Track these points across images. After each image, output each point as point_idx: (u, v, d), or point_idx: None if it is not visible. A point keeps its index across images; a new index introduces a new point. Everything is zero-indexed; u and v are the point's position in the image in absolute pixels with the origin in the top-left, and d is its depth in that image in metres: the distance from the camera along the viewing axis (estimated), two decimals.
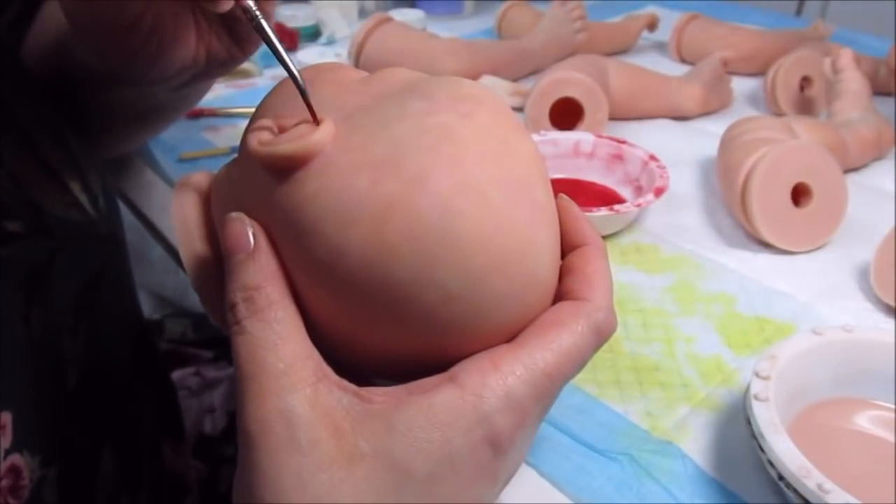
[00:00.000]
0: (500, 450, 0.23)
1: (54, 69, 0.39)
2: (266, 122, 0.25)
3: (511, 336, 0.24)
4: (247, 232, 0.24)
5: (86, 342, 0.33)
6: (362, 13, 0.87)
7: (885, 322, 0.39)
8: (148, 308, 1.21)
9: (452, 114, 0.23)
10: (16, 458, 0.27)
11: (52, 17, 0.40)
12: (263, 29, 0.28)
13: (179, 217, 0.27)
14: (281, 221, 0.24)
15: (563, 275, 0.26)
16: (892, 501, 0.27)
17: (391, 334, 0.24)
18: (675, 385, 0.34)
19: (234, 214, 0.25)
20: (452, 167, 0.22)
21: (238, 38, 0.36)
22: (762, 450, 0.27)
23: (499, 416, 0.22)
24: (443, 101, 0.24)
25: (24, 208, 0.31)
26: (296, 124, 0.24)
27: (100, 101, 0.41)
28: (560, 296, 0.26)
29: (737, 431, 0.31)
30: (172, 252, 0.47)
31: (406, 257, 0.22)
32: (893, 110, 0.60)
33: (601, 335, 0.24)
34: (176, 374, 0.63)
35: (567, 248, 0.27)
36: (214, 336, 0.69)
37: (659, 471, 0.29)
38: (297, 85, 0.25)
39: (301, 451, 0.21)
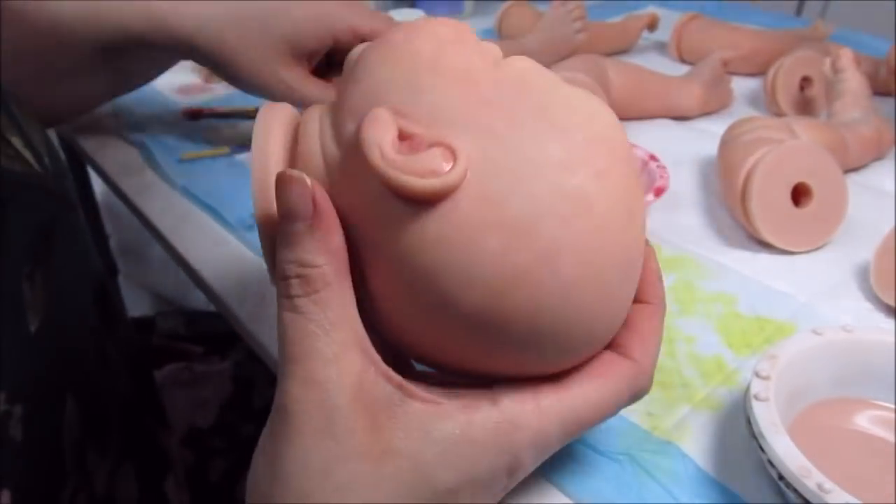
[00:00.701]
0: (514, 476, 0.24)
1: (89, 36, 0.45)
2: (385, 117, 0.22)
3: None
4: (309, 198, 0.22)
5: (43, 289, 0.34)
6: None
7: (885, 322, 0.39)
8: (148, 308, 1.22)
9: (590, 173, 0.22)
10: None
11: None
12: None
13: (261, 148, 0.25)
14: (384, 244, 0.23)
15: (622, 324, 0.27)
16: (893, 501, 0.27)
17: (464, 363, 0.25)
18: (675, 385, 0.34)
19: (295, 173, 0.22)
20: (583, 245, 0.22)
21: None
22: (762, 450, 0.27)
23: (527, 450, 0.23)
24: (579, 147, 0.23)
25: None
26: (425, 140, 0.22)
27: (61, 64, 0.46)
28: (613, 343, 0.26)
29: (737, 431, 0.31)
30: (172, 252, 0.47)
31: (519, 328, 0.23)
32: (893, 110, 0.60)
33: (635, 398, 0.26)
34: (166, 369, 0.64)
35: (636, 299, 0.27)
36: (205, 332, 0.69)
37: (659, 471, 0.29)
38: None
39: (334, 439, 0.22)
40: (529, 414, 0.23)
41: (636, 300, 0.27)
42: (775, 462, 0.26)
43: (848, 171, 0.52)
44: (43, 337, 0.33)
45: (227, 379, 0.63)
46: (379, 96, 0.23)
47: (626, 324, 0.26)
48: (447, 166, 0.21)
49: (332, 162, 0.24)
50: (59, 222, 0.38)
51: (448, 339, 0.24)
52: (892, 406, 0.31)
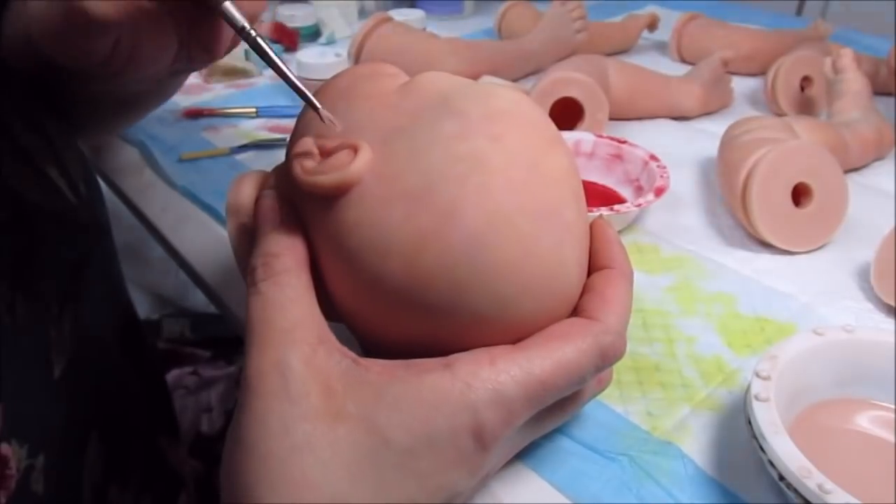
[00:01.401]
0: (482, 443, 0.23)
1: (33, 60, 0.39)
2: (308, 142, 0.26)
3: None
4: (275, 208, 0.27)
5: (71, 331, 0.33)
6: (362, 13, 0.87)
7: (885, 322, 0.39)
8: (148, 308, 1.22)
9: (483, 138, 0.24)
10: (4, 448, 0.27)
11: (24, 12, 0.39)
12: (266, 53, 0.29)
13: (234, 189, 0.30)
14: (325, 240, 0.26)
15: (583, 292, 0.27)
16: (893, 502, 0.27)
17: (419, 339, 0.25)
18: (675, 385, 0.34)
19: (266, 192, 0.28)
20: (482, 199, 0.23)
21: (219, 37, 0.36)
22: (763, 450, 0.27)
23: (485, 409, 0.23)
24: (474, 121, 0.25)
25: (1, 196, 0.30)
26: (336, 148, 0.25)
27: (81, 90, 0.41)
28: (576, 312, 0.26)
29: (737, 432, 0.31)
30: (172, 252, 0.47)
31: (440, 287, 0.24)
32: (894, 110, 0.60)
33: (605, 357, 0.25)
34: (173, 373, 0.63)
35: (595, 267, 0.28)
36: (212, 336, 0.69)
37: (659, 471, 0.29)
38: (309, 103, 0.27)
39: (290, 400, 0.23)
40: (483, 373, 0.23)
41: (596, 267, 0.27)
42: (776, 462, 0.26)
43: (848, 171, 0.52)
44: (67, 381, 0.32)
45: (233, 384, 0.63)
46: (307, 127, 0.28)
47: (585, 288, 0.27)
48: (350, 160, 0.25)
49: (291, 185, 0.27)
50: (91, 257, 0.37)
51: (389, 316, 0.25)
52: (893, 406, 0.31)
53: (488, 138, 0.24)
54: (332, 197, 0.25)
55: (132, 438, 0.42)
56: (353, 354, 0.24)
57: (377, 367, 0.24)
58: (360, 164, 0.24)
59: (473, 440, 0.23)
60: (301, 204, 0.27)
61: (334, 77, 0.29)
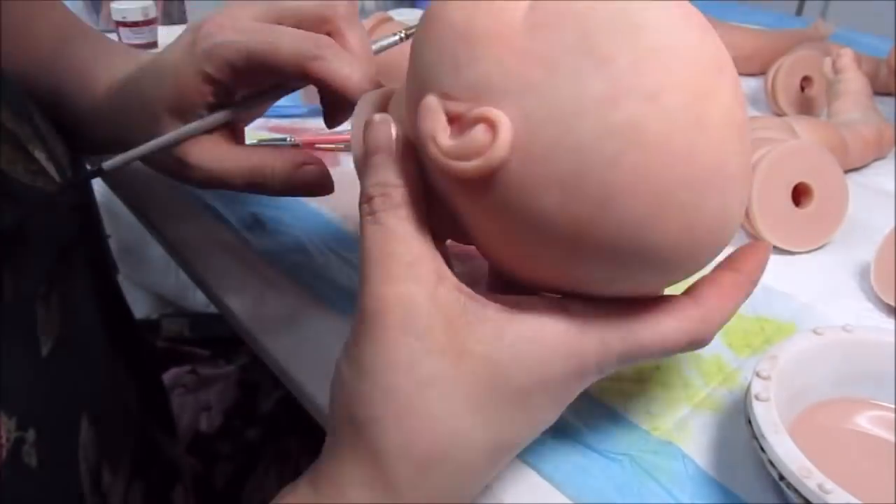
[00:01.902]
0: (578, 385, 0.26)
1: (43, 81, 0.40)
2: (434, 104, 0.23)
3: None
4: (391, 135, 0.26)
5: (58, 310, 0.33)
6: (362, 13, 0.87)
7: (885, 322, 0.39)
8: (148, 308, 1.22)
9: (637, 99, 0.21)
10: None
11: (42, 35, 0.41)
12: None
13: (357, 112, 0.30)
14: (467, 213, 0.25)
15: (710, 275, 0.28)
16: (893, 502, 0.27)
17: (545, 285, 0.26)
18: (675, 385, 0.34)
19: (378, 117, 0.27)
20: (639, 183, 0.21)
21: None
22: (763, 450, 0.27)
23: (591, 357, 0.25)
24: (625, 73, 0.21)
25: None
26: (469, 118, 0.22)
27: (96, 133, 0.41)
28: (691, 290, 0.27)
29: (737, 432, 0.31)
30: (172, 252, 0.47)
31: (601, 264, 0.24)
32: (894, 110, 0.60)
33: (693, 345, 0.26)
34: (172, 372, 0.63)
35: (731, 263, 0.28)
36: (211, 335, 0.69)
37: (659, 471, 0.29)
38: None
39: (415, 335, 0.23)
40: (596, 323, 0.25)
41: (732, 264, 0.28)
42: (776, 462, 0.26)
43: (848, 171, 0.52)
44: (56, 359, 0.32)
45: (232, 383, 0.63)
46: (427, 82, 0.24)
47: (712, 274, 0.28)
48: (490, 138, 0.22)
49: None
50: (80, 238, 0.37)
51: (539, 271, 0.25)
52: (893, 406, 0.31)
53: (643, 98, 0.21)
54: (472, 179, 0.23)
55: (123, 426, 0.42)
56: (470, 291, 0.25)
57: (494, 304, 0.25)
58: (503, 147, 0.22)
59: (576, 383, 0.25)
60: (431, 167, 0.25)
61: (438, 6, 0.25)
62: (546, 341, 0.24)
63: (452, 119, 0.23)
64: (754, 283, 0.28)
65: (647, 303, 0.26)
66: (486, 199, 0.23)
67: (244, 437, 0.60)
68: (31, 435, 0.30)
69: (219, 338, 0.68)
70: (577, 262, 0.24)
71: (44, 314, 0.32)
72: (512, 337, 0.24)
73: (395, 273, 0.24)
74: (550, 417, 0.26)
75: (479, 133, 0.22)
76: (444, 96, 0.23)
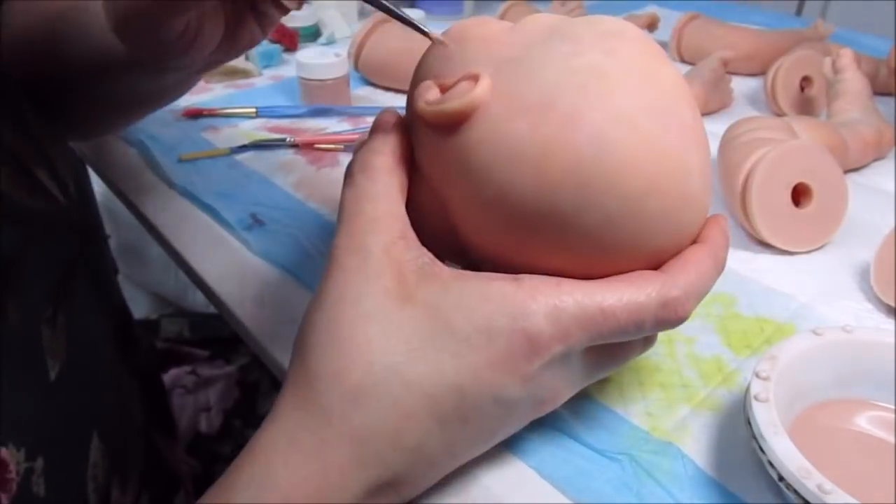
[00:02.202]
0: (534, 351, 0.25)
1: (39, 56, 0.39)
2: (428, 83, 0.28)
3: (664, 260, 0.27)
4: (390, 120, 0.29)
5: (65, 332, 0.33)
6: (362, 13, 0.87)
7: (885, 323, 0.39)
8: (148, 308, 1.22)
9: (597, 52, 0.26)
10: (2, 452, 0.27)
11: (31, 9, 0.40)
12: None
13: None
14: (449, 167, 0.27)
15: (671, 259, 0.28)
16: (893, 502, 0.27)
17: (552, 257, 0.27)
18: (675, 385, 0.34)
19: (386, 109, 0.30)
20: (602, 102, 0.25)
21: (262, 21, 0.37)
22: (762, 450, 0.27)
23: (542, 319, 0.25)
24: (587, 40, 0.26)
25: None
26: (456, 82, 0.27)
27: (94, 88, 0.41)
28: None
29: (737, 432, 0.31)
30: (172, 252, 0.47)
31: (568, 189, 0.25)
32: (893, 110, 0.60)
33: (667, 308, 0.26)
34: (172, 373, 0.63)
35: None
36: (211, 335, 0.69)
37: (659, 471, 0.29)
38: (417, 29, 0.30)
39: (365, 277, 0.26)
40: (548, 289, 0.25)
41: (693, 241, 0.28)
42: (775, 463, 0.26)
43: (848, 171, 0.52)
44: (64, 382, 0.32)
45: (232, 384, 0.63)
46: (426, 73, 0.29)
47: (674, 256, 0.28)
48: (472, 87, 0.26)
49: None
50: (83, 257, 0.37)
51: (517, 229, 0.26)
52: (893, 407, 0.31)
53: (603, 52, 0.25)
54: (456, 123, 0.26)
55: (130, 438, 0.42)
56: (430, 254, 0.27)
57: (450, 268, 0.26)
58: (482, 88, 0.26)
59: (527, 346, 0.25)
60: (422, 140, 0.28)
61: (447, 31, 0.30)
62: (491, 296, 0.25)
63: (443, 89, 0.27)
64: (718, 252, 0.28)
65: (605, 279, 0.26)
66: (464, 140, 0.26)
67: (244, 438, 0.60)
68: (39, 464, 0.29)
69: (218, 338, 0.68)
70: (547, 190, 0.25)
71: (50, 337, 0.32)
72: (457, 291, 0.25)
73: (358, 225, 0.27)
74: (509, 387, 0.25)
75: (463, 85, 0.26)
76: (437, 78, 0.28)
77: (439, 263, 0.26)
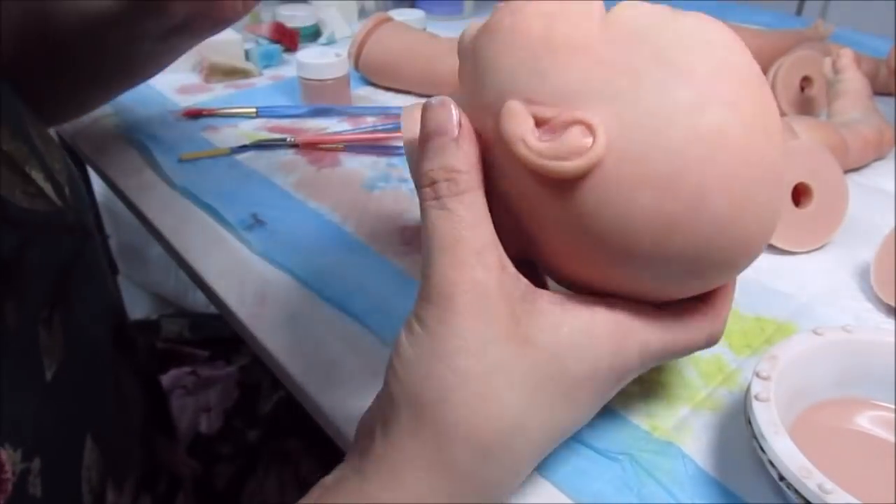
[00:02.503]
0: (620, 382, 0.26)
1: (29, 28, 0.41)
2: (519, 108, 0.24)
3: None
4: (452, 117, 0.26)
5: (62, 333, 0.33)
6: (362, 13, 0.87)
7: (885, 322, 0.39)
8: (148, 308, 1.22)
9: (719, 106, 0.23)
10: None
11: None
12: None
13: (408, 110, 0.30)
14: (547, 211, 0.25)
15: None
16: (893, 502, 0.27)
17: (639, 288, 0.27)
18: (675, 385, 0.34)
19: (436, 99, 0.26)
20: (727, 183, 0.23)
21: None
22: (763, 450, 0.27)
23: (634, 360, 0.26)
24: (705, 82, 0.23)
25: None
26: (560, 122, 0.24)
27: (82, 59, 0.43)
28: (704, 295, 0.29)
29: (737, 432, 0.31)
30: (172, 252, 0.47)
31: (685, 264, 0.25)
32: (894, 110, 0.60)
33: (710, 342, 0.28)
34: (172, 374, 0.64)
35: None
36: (211, 336, 0.69)
37: (659, 471, 0.29)
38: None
39: (485, 321, 0.24)
40: (638, 324, 0.26)
41: None
42: (776, 462, 0.26)
43: (848, 171, 0.52)
44: (60, 383, 0.32)
45: (232, 384, 0.63)
46: (507, 88, 0.25)
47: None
48: (588, 141, 0.23)
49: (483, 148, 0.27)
50: (79, 259, 0.37)
51: (597, 267, 0.26)
52: (893, 406, 0.31)
53: (725, 106, 0.23)
54: (568, 180, 0.24)
55: (127, 439, 0.42)
56: (526, 280, 0.26)
57: (546, 296, 0.26)
58: (600, 146, 0.23)
59: (617, 380, 0.26)
60: (507, 169, 0.26)
61: (516, 17, 0.26)
62: (598, 335, 0.25)
63: (539, 122, 0.24)
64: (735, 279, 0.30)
65: (674, 306, 0.28)
66: (576, 199, 0.24)
67: (244, 438, 0.60)
68: (36, 464, 0.29)
69: (218, 338, 0.68)
70: (664, 262, 0.25)
71: (46, 338, 0.32)
72: (568, 328, 0.25)
73: (465, 259, 0.24)
74: (590, 414, 0.27)
75: (576, 134, 0.23)
76: (528, 101, 0.24)
77: (532, 287, 0.26)
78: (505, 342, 0.24)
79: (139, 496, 0.41)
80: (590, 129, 0.23)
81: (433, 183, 0.25)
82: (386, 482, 0.24)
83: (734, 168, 0.23)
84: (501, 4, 0.27)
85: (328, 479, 0.25)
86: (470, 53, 0.28)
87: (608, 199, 0.23)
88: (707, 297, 0.28)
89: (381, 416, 0.25)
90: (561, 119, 0.24)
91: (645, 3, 0.26)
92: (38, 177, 0.34)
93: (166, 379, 0.63)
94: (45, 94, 0.42)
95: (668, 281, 0.26)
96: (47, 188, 0.34)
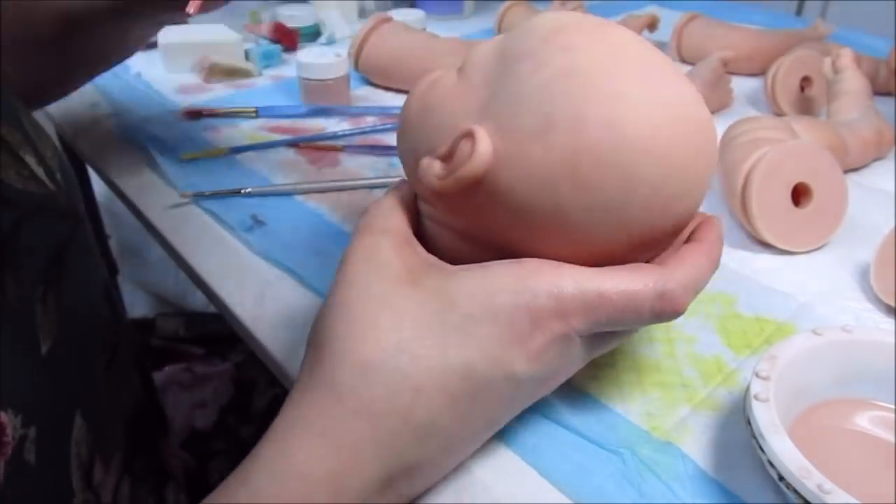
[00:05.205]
0: (538, 327, 0.26)
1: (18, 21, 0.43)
2: (426, 160, 0.28)
3: (661, 243, 0.28)
4: (394, 186, 0.32)
5: (56, 312, 0.34)
6: (362, 13, 0.87)
7: (885, 322, 0.39)
8: (148, 308, 1.22)
9: (558, 53, 0.26)
10: (1, 416, 0.28)
11: None
12: None
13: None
14: (478, 213, 0.28)
15: (667, 253, 0.29)
16: (892, 502, 0.27)
17: (560, 248, 0.27)
18: (675, 385, 0.34)
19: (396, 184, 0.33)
20: (590, 95, 0.25)
21: None
22: (762, 450, 0.27)
23: (544, 297, 0.25)
24: (540, 47, 0.27)
25: None
26: (454, 144, 0.27)
27: (67, 39, 0.44)
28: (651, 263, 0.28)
29: (737, 432, 0.31)
30: (172, 252, 0.47)
31: (609, 184, 0.26)
32: (893, 110, 0.60)
33: (664, 300, 0.26)
34: (167, 370, 0.64)
35: (688, 240, 0.30)
36: (206, 333, 0.69)
37: (659, 470, 0.29)
38: None
39: (376, 265, 0.27)
40: (548, 269, 0.26)
41: (689, 240, 0.29)
42: (775, 462, 0.26)
43: (848, 171, 0.52)
44: (54, 358, 0.33)
45: (227, 381, 0.63)
46: (419, 156, 0.29)
47: (670, 251, 0.29)
48: (470, 147, 0.26)
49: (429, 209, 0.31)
50: (72, 243, 0.38)
51: (518, 229, 0.28)
52: (892, 406, 0.31)
53: (563, 51, 0.26)
54: (475, 181, 0.27)
55: (116, 421, 0.43)
56: (436, 258, 0.28)
57: (456, 265, 0.27)
58: (484, 144, 0.26)
59: (530, 322, 0.25)
60: (441, 206, 0.29)
61: (404, 108, 0.32)
62: (494, 276, 0.26)
63: (443, 159, 0.28)
64: (713, 250, 0.29)
65: (604, 268, 0.27)
66: (498, 189, 0.27)
67: (239, 434, 0.60)
68: (32, 432, 0.30)
69: (214, 336, 0.68)
70: (580, 195, 0.26)
71: (42, 315, 0.33)
72: (462, 276, 0.26)
73: (370, 229, 0.29)
74: (516, 362, 0.26)
75: (465, 145, 0.27)
76: (430, 152, 0.29)
77: (444, 263, 0.28)
78: (394, 281, 0.27)
79: (124, 476, 0.42)
80: (470, 134, 0.27)
81: (363, 213, 0.30)
82: (286, 412, 0.26)
83: (594, 77, 0.26)
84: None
85: None
86: (402, 141, 0.33)
87: (511, 172, 0.26)
88: (659, 259, 0.28)
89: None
90: (453, 145, 0.27)
91: (486, 41, 0.30)
92: (30, 161, 0.35)
93: (162, 375, 0.63)
94: (32, 77, 0.44)
95: (590, 229, 0.27)
96: (39, 172, 0.35)
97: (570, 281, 0.26)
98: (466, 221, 0.29)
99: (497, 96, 0.27)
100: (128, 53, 0.52)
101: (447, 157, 0.28)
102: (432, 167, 0.28)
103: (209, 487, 0.25)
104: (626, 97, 0.25)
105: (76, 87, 0.55)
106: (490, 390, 0.26)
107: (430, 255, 0.29)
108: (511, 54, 0.28)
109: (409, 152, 0.31)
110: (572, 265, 0.26)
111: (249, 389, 0.63)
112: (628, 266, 0.27)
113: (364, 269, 0.27)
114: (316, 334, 0.27)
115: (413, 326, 0.25)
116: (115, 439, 0.42)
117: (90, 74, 0.53)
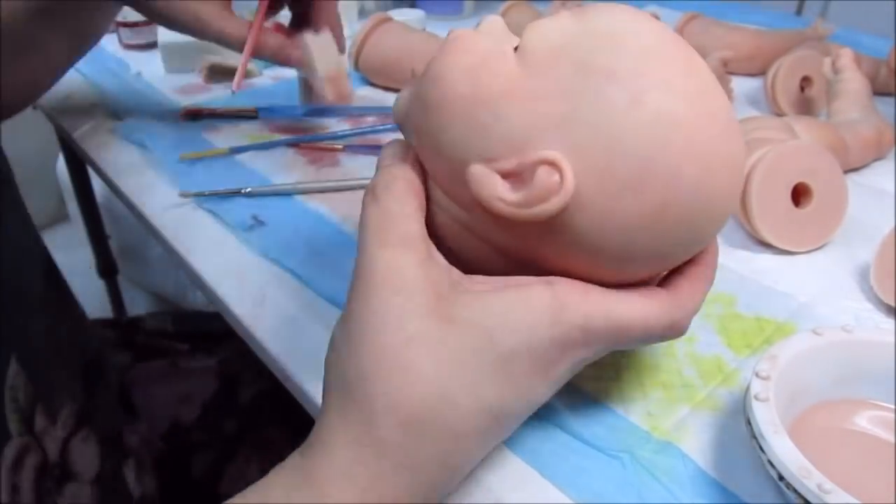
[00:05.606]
0: (563, 358, 0.26)
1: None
2: (480, 170, 0.25)
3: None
4: (403, 153, 0.29)
5: None
6: (362, 13, 0.87)
7: (885, 322, 0.39)
8: (148, 308, 1.22)
9: (652, 92, 0.24)
10: None
11: None
12: None
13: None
14: (535, 241, 0.26)
15: (674, 272, 0.29)
16: (892, 502, 0.27)
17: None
18: (675, 385, 0.34)
19: (393, 142, 0.30)
20: (691, 149, 0.24)
21: None
22: (762, 450, 0.27)
23: (576, 331, 0.25)
24: (630, 76, 0.24)
25: None
26: (523, 167, 0.25)
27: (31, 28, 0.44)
28: (664, 282, 0.29)
29: (737, 432, 0.31)
30: (172, 252, 0.47)
31: (680, 235, 0.26)
32: (893, 110, 0.60)
33: (673, 329, 0.28)
34: (152, 364, 0.64)
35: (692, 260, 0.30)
36: (191, 330, 0.70)
37: (659, 471, 0.29)
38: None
39: (404, 296, 0.25)
40: (578, 297, 0.25)
41: (692, 262, 0.29)
42: (775, 462, 0.26)
43: (848, 171, 0.52)
44: None
45: (212, 375, 0.64)
46: (459, 156, 0.26)
47: (676, 270, 0.29)
48: (557, 178, 0.24)
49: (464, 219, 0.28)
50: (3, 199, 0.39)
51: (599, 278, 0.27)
52: (892, 406, 0.31)
53: (657, 89, 0.24)
54: (549, 217, 0.25)
55: (62, 377, 0.44)
56: (458, 272, 0.27)
57: (480, 280, 0.26)
58: (571, 178, 0.24)
59: (559, 352, 0.25)
60: (475, 217, 0.27)
61: (435, 87, 0.27)
62: (531, 308, 0.25)
63: (505, 175, 0.25)
64: (711, 271, 0.29)
65: (627, 289, 0.27)
66: (566, 226, 0.25)
67: (222, 428, 0.61)
68: None
69: (200, 333, 0.69)
70: (651, 249, 0.26)
71: None
72: (499, 305, 0.25)
73: (388, 240, 0.26)
74: (539, 390, 0.26)
75: (544, 175, 0.24)
76: (486, 160, 0.25)
77: (467, 278, 0.27)
78: (426, 317, 0.24)
79: (77, 433, 0.43)
80: (554, 165, 0.24)
81: (374, 186, 0.27)
82: (321, 458, 0.24)
83: (691, 133, 0.24)
84: (419, 79, 0.29)
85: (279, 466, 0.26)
86: (411, 129, 0.29)
87: (593, 216, 0.25)
88: (667, 283, 0.28)
89: (323, 403, 0.26)
90: (525, 165, 0.25)
91: (546, 20, 0.27)
92: None
93: (145, 369, 0.63)
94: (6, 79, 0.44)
95: (656, 260, 0.27)
96: None
97: (600, 312, 0.26)
98: (502, 237, 0.27)
99: (581, 121, 0.24)
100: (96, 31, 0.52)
101: (514, 178, 0.25)
102: (495, 186, 0.25)
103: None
104: (715, 156, 0.25)
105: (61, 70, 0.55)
106: (514, 418, 0.26)
107: (449, 265, 0.27)
108: (596, 68, 0.24)
109: (437, 131, 0.27)
110: (596, 287, 0.26)
111: (234, 384, 0.64)
112: (645, 292, 0.27)
113: (393, 303, 0.25)
114: (347, 375, 0.25)
115: (452, 371, 0.24)
116: (64, 391, 0.43)
117: (70, 61, 0.52)
